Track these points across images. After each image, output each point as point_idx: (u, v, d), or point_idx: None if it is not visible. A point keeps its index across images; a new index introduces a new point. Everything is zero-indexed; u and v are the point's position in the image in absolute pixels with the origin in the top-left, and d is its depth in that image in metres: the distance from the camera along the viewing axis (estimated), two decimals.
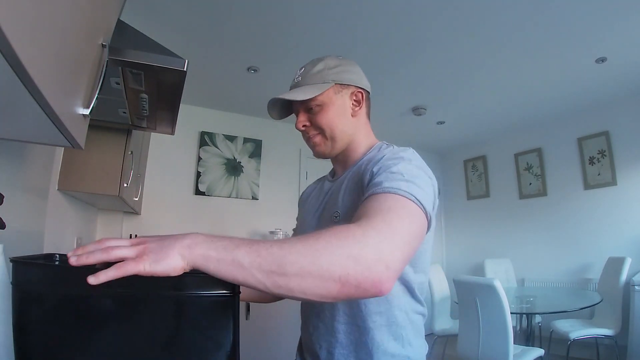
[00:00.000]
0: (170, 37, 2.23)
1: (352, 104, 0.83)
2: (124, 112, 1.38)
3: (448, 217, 4.81)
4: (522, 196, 3.95)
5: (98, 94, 0.80)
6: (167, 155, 3.19)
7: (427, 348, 0.79)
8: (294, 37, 2.30)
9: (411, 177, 0.63)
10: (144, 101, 1.27)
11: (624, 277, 2.67)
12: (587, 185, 3.38)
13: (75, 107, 0.71)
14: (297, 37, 2.31)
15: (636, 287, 2.62)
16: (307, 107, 0.81)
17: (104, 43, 0.83)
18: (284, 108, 0.86)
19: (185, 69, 1.04)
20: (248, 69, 2.69)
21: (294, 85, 0.83)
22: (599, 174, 3.30)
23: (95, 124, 1.51)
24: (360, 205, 0.61)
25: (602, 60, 2.51)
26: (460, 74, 2.75)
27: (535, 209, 3.79)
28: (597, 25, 2.12)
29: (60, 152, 1.61)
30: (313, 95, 0.77)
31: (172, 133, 1.70)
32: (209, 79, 2.89)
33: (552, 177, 3.70)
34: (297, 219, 1.00)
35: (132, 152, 1.84)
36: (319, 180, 0.98)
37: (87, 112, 0.77)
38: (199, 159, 3.37)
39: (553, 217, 3.62)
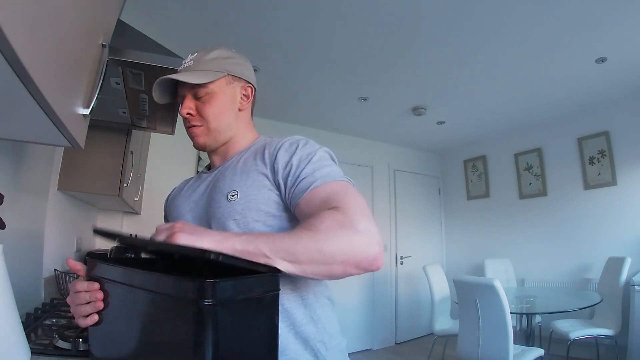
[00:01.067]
0: (170, 37, 2.23)
1: (241, 97, 0.83)
2: (124, 112, 1.39)
3: (448, 217, 4.81)
4: (522, 196, 3.94)
5: (98, 94, 0.80)
6: (167, 155, 3.19)
7: (345, 342, 0.78)
8: (294, 36, 2.30)
9: (331, 163, 0.72)
10: (144, 101, 1.27)
11: (624, 277, 2.67)
12: (587, 185, 3.38)
13: (75, 107, 0.71)
14: (297, 37, 2.31)
15: (636, 287, 2.62)
16: (196, 94, 0.78)
17: (104, 43, 0.83)
18: (169, 91, 0.83)
19: None
20: None
21: (185, 69, 0.79)
22: (599, 174, 3.30)
23: (95, 124, 1.51)
24: (308, 197, 0.66)
25: (602, 60, 2.51)
26: (460, 74, 2.75)
27: (535, 209, 3.79)
28: (597, 25, 2.12)
29: (60, 152, 1.61)
30: (207, 81, 0.76)
31: (172, 133, 1.70)
32: None
33: (552, 177, 3.70)
34: (166, 218, 0.95)
35: (132, 152, 1.84)
36: (188, 179, 0.96)
37: (87, 112, 0.77)
38: (199, 159, 3.37)
39: (553, 217, 3.61)
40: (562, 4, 1.94)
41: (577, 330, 2.57)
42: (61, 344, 0.88)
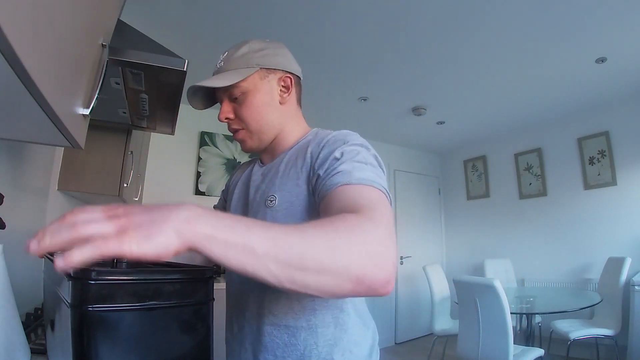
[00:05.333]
0: (170, 37, 2.23)
1: (280, 90, 0.77)
2: (124, 112, 1.38)
3: (448, 217, 4.81)
4: (522, 196, 3.94)
5: (98, 94, 0.80)
6: (167, 155, 3.19)
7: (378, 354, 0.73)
8: (293, 37, 2.30)
9: (374, 168, 0.62)
10: (144, 101, 1.27)
11: (624, 277, 2.67)
12: (587, 186, 3.38)
13: (75, 107, 0.71)
14: (297, 37, 2.31)
15: (636, 287, 2.62)
16: (231, 96, 0.74)
17: (104, 43, 0.83)
18: (208, 97, 0.79)
19: (185, 69, 1.04)
20: None
21: (216, 72, 0.75)
22: (599, 174, 3.30)
23: (95, 124, 1.51)
24: (337, 192, 0.56)
25: (602, 60, 2.51)
26: (460, 74, 2.75)
27: (535, 209, 3.79)
28: (597, 25, 2.12)
29: (60, 152, 1.61)
30: (235, 81, 0.70)
31: (172, 133, 1.70)
32: None
33: (552, 177, 3.70)
34: (223, 198, 0.95)
35: (132, 152, 1.84)
36: (249, 163, 0.91)
37: (87, 112, 0.77)
38: (199, 159, 3.37)
39: (553, 217, 3.61)
40: (562, 4, 1.94)
41: (577, 330, 2.56)
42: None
